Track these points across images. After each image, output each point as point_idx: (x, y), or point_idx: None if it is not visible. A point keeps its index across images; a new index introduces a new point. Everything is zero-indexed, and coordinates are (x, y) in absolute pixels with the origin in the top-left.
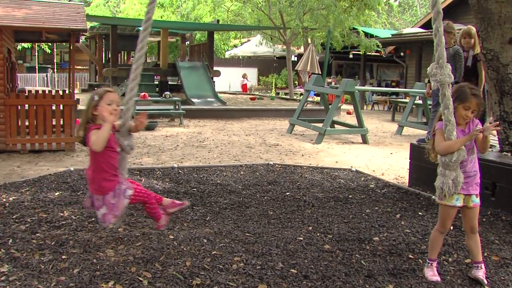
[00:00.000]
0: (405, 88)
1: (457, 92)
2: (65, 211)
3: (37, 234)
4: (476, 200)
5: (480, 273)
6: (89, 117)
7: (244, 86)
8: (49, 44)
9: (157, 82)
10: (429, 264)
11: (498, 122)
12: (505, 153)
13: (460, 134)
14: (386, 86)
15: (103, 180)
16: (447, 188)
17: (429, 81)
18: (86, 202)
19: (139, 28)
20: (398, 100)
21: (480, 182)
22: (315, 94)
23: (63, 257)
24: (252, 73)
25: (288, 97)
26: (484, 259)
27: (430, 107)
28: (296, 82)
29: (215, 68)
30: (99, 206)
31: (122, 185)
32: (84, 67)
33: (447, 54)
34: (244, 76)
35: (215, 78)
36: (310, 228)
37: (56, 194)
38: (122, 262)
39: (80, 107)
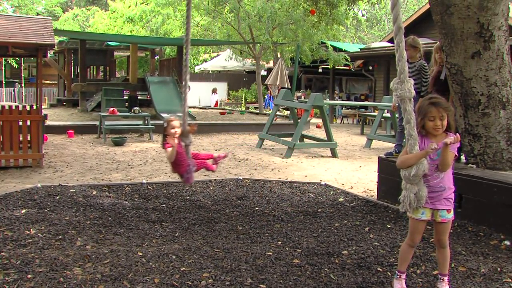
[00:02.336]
0: (373, 101)
1: (419, 108)
2: (31, 229)
3: (1, 253)
4: (445, 215)
5: (443, 285)
6: (164, 136)
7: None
8: (17, 58)
9: (127, 97)
10: (398, 276)
11: (455, 137)
12: (470, 165)
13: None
14: (355, 100)
15: (179, 167)
16: (408, 201)
17: None
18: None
19: (108, 42)
20: (367, 113)
21: (455, 198)
22: (284, 108)
23: (29, 276)
24: (222, 88)
25: (258, 111)
26: (451, 270)
27: (398, 120)
28: (266, 97)
29: None
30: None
31: (190, 165)
32: (53, 82)
33: (412, 68)
34: (214, 90)
35: None
36: (279, 242)
37: (23, 211)
38: (89, 280)
39: (48, 122)
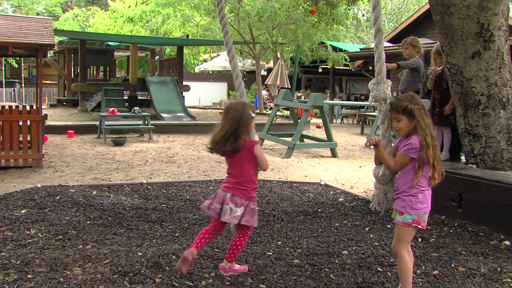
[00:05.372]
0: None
1: None
2: (31, 229)
3: (1, 253)
4: (395, 215)
5: None
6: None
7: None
8: (17, 58)
9: (127, 97)
10: None
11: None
12: (470, 165)
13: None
14: (355, 100)
15: (253, 190)
16: (377, 200)
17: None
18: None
19: (108, 42)
20: (367, 113)
21: (432, 205)
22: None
23: (29, 276)
24: (222, 88)
25: (258, 111)
26: (451, 270)
27: None
28: (266, 97)
29: (185, 83)
30: (240, 204)
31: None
32: (53, 82)
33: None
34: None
35: (185, 93)
36: (279, 242)
37: (23, 211)
38: (89, 281)
39: (48, 122)
